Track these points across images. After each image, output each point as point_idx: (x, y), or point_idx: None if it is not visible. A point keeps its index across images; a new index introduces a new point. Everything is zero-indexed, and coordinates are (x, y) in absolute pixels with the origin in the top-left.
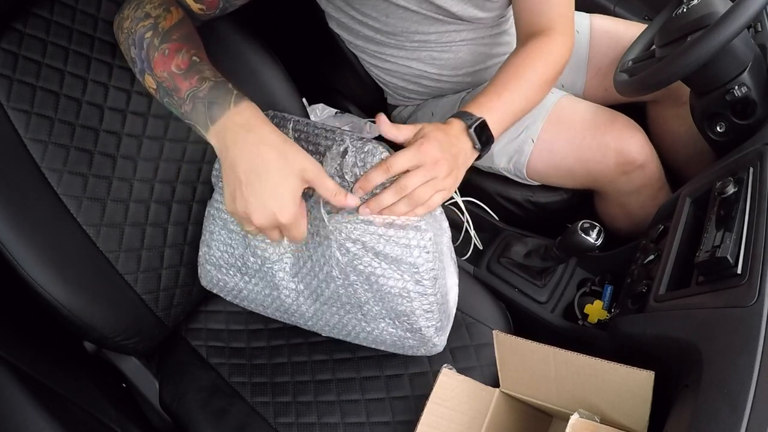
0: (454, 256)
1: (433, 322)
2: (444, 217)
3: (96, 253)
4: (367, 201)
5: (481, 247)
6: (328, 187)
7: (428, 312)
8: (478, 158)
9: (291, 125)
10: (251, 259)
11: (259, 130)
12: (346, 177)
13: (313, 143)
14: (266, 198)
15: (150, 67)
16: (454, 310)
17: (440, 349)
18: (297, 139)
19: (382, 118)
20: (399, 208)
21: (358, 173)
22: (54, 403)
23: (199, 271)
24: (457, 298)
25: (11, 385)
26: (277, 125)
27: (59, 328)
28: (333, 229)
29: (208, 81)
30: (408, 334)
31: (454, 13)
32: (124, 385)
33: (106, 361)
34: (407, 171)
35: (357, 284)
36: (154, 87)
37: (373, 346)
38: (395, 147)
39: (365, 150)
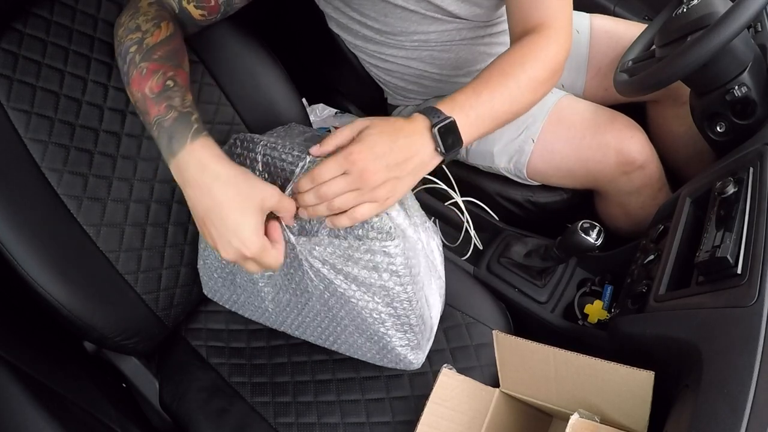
0: (440, 269)
1: (407, 341)
2: (432, 230)
3: (96, 253)
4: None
5: (481, 247)
6: (289, 210)
7: (401, 332)
8: (442, 162)
9: (260, 149)
10: (239, 275)
11: (214, 168)
12: None
13: (280, 168)
14: (229, 236)
15: (128, 83)
16: (435, 326)
17: (418, 365)
18: (266, 164)
19: (314, 149)
20: (319, 209)
21: None
22: (54, 403)
23: (201, 279)
24: (439, 314)
25: (11, 385)
26: (246, 149)
27: (59, 328)
28: (301, 251)
29: (173, 111)
30: (384, 351)
31: (450, 11)
32: (124, 385)
33: (106, 361)
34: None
35: (332, 302)
36: (133, 102)
37: (356, 357)
38: None
39: None
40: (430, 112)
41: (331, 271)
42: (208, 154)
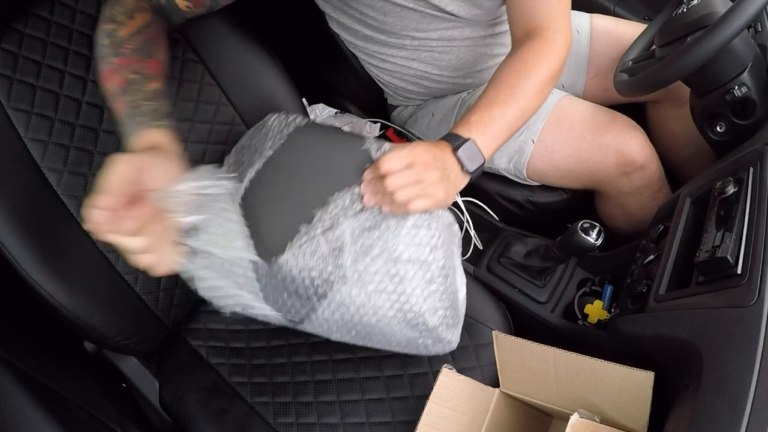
0: (460, 259)
1: (445, 320)
2: (453, 221)
3: (96, 253)
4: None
5: (481, 247)
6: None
7: (442, 310)
8: (469, 181)
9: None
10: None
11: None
12: None
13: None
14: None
15: (100, 77)
16: (463, 309)
17: (454, 346)
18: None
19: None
20: (383, 200)
21: None
22: (54, 403)
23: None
24: (465, 298)
25: (11, 385)
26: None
27: (59, 328)
28: (346, 231)
29: (127, 106)
30: (425, 333)
31: (449, 11)
32: (124, 385)
33: (106, 361)
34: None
35: (373, 286)
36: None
37: (387, 348)
38: None
39: None
40: (450, 138)
41: (374, 250)
42: (155, 138)
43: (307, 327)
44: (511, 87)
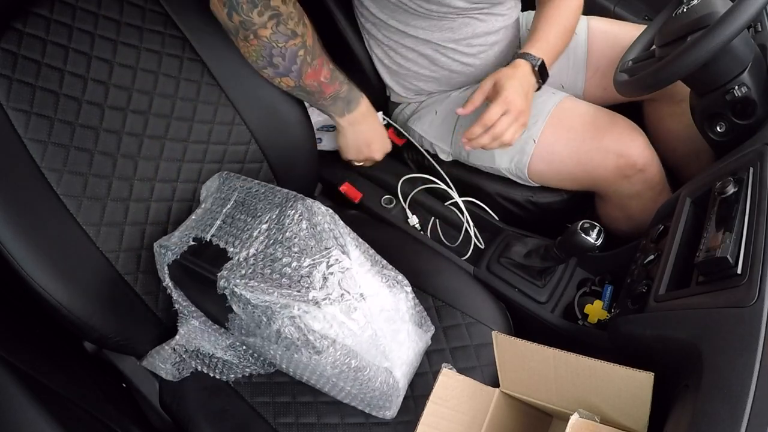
0: (410, 315)
1: (370, 404)
2: (400, 283)
3: (96, 253)
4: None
5: (482, 246)
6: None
7: (362, 399)
8: (539, 87)
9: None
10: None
11: (369, 116)
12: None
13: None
14: (372, 145)
15: (299, 77)
16: (404, 381)
17: (392, 416)
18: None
19: (461, 111)
20: (492, 144)
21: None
22: (54, 404)
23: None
24: (415, 361)
25: (11, 386)
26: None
27: (59, 328)
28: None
29: (344, 85)
30: (356, 403)
31: None
32: (124, 385)
33: (106, 361)
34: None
35: (298, 371)
36: (292, 86)
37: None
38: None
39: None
40: (527, 56)
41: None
42: (369, 110)
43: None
44: (555, 23)
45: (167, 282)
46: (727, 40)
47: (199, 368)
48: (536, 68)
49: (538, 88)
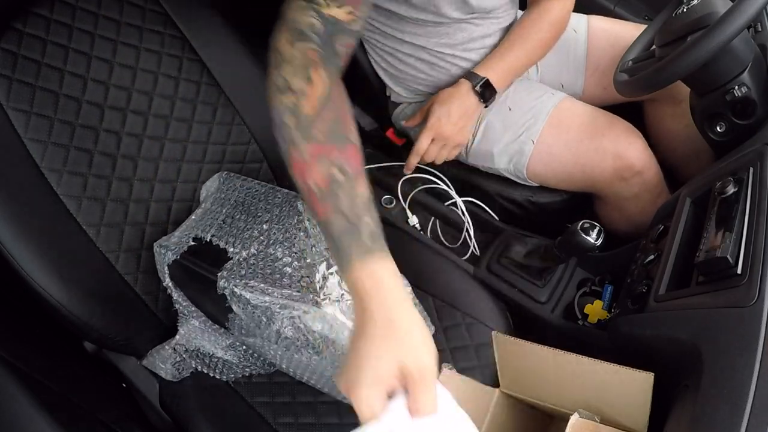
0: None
1: None
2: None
3: (96, 253)
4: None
5: (478, 254)
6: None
7: None
8: (486, 105)
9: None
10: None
11: (387, 305)
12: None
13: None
14: (408, 353)
15: (289, 165)
16: None
17: None
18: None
19: (406, 124)
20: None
21: None
22: (54, 404)
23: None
24: None
25: (11, 385)
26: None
27: (59, 328)
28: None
29: (340, 216)
30: None
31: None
32: (124, 385)
33: (106, 361)
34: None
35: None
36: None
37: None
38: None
39: None
40: (470, 76)
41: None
42: (387, 290)
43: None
44: (523, 38)
45: (167, 282)
46: (727, 40)
47: (199, 368)
48: (477, 87)
49: (486, 106)
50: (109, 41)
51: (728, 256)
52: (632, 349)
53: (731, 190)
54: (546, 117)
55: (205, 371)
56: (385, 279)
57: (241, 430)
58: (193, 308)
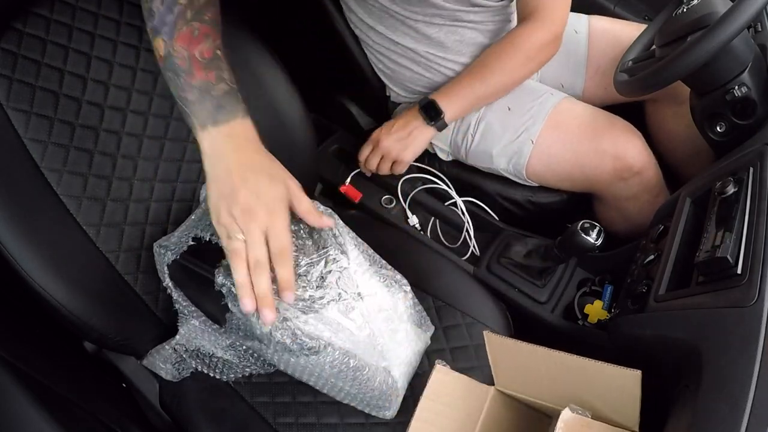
0: (409, 315)
1: (370, 404)
2: (399, 282)
3: (96, 253)
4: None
5: (477, 254)
6: (303, 206)
7: (362, 399)
8: (438, 130)
9: None
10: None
11: (255, 144)
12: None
13: None
14: (262, 193)
15: (170, 36)
16: (403, 381)
17: (391, 416)
18: None
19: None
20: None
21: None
22: (54, 404)
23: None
24: (414, 361)
25: (12, 386)
26: None
27: (59, 328)
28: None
29: (224, 83)
30: (356, 403)
31: None
32: (124, 385)
33: (106, 361)
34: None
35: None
36: (163, 55)
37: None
38: None
39: None
40: (421, 101)
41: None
42: (254, 135)
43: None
44: (485, 66)
45: (167, 282)
46: (727, 40)
47: (200, 368)
48: (421, 107)
49: (435, 125)
50: (109, 41)
51: (728, 256)
52: (632, 349)
53: (731, 190)
54: (545, 117)
55: (205, 371)
56: (254, 132)
57: (241, 430)
58: (193, 308)
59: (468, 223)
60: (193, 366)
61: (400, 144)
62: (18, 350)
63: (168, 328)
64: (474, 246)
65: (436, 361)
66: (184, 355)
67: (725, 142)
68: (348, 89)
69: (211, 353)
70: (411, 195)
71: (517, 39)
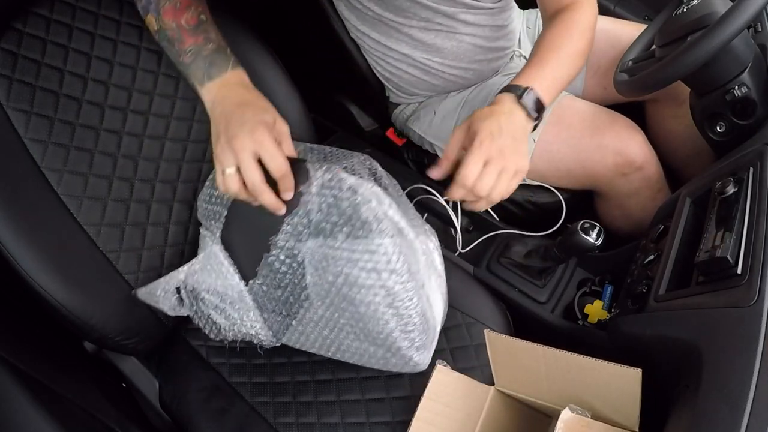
0: (440, 268)
1: (411, 342)
2: (429, 231)
3: (96, 253)
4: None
5: (461, 250)
6: (283, 128)
7: (405, 332)
8: (535, 127)
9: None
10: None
11: (248, 86)
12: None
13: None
14: (247, 120)
15: (157, 12)
16: (438, 327)
17: (424, 366)
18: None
19: (434, 172)
20: (478, 205)
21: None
22: (54, 403)
23: None
24: (443, 313)
25: (11, 386)
26: None
27: (59, 328)
28: (303, 254)
29: (211, 42)
30: (389, 354)
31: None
32: (124, 385)
33: (106, 361)
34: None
35: (333, 307)
36: (156, 29)
37: (360, 364)
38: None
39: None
40: (511, 88)
41: (331, 274)
42: (246, 81)
43: (290, 342)
44: (556, 48)
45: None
46: (727, 40)
47: (192, 315)
48: (521, 98)
49: (536, 124)
50: (109, 41)
51: (728, 256)
52: (632, 349)
53: (731, 190)
54: (546, 115)
55: (196, 321)
56: (246, 79)
57: (241, 430)
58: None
59: (467, 222)
60: (191, 311)
61: (514, 147)
62: (18, 350)
63: (168, 327)
64: (473, 246)
65: (437, 361)
66: (184, 297)
67: (725, 142)
68: (348, 89)
69: (214, 305)
70: (408, 192)
71: (578, 24)
